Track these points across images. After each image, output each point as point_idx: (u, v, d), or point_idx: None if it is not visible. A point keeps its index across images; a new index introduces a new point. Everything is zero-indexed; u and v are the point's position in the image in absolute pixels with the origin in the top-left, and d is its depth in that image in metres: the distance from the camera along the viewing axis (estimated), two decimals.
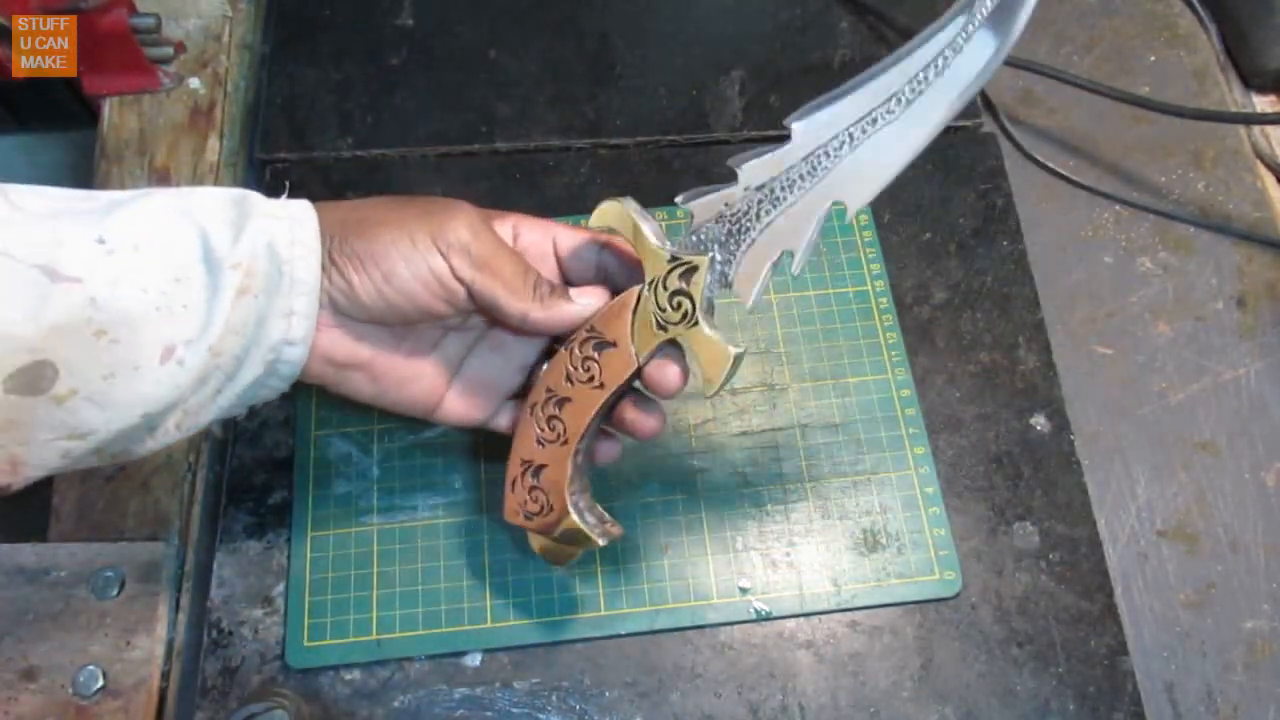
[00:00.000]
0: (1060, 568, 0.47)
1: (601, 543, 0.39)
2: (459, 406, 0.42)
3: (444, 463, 0.48)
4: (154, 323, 0.31)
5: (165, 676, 0.45)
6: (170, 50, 0.58)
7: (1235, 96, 0.60)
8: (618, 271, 0.39)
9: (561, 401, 0.39)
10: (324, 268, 0.35)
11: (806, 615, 0.46)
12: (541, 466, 0.39)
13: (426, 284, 0.36)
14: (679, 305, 0.36)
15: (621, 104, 0.58)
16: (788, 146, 0.34)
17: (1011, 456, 0.49)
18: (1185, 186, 0.56)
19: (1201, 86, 0.59)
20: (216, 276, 0.33)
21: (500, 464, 0.43)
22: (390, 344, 0.39)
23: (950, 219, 0.55)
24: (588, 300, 0.38)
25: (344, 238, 0.35)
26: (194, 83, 0.58)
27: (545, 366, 0.40)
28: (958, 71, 0.32)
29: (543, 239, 0.40)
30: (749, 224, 0.35)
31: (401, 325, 0.38)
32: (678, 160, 0.56)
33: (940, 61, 0.32)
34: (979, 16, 0.31)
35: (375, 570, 0.46)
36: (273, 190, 0.39)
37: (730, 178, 0.36)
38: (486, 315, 0.39)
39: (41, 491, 0.47)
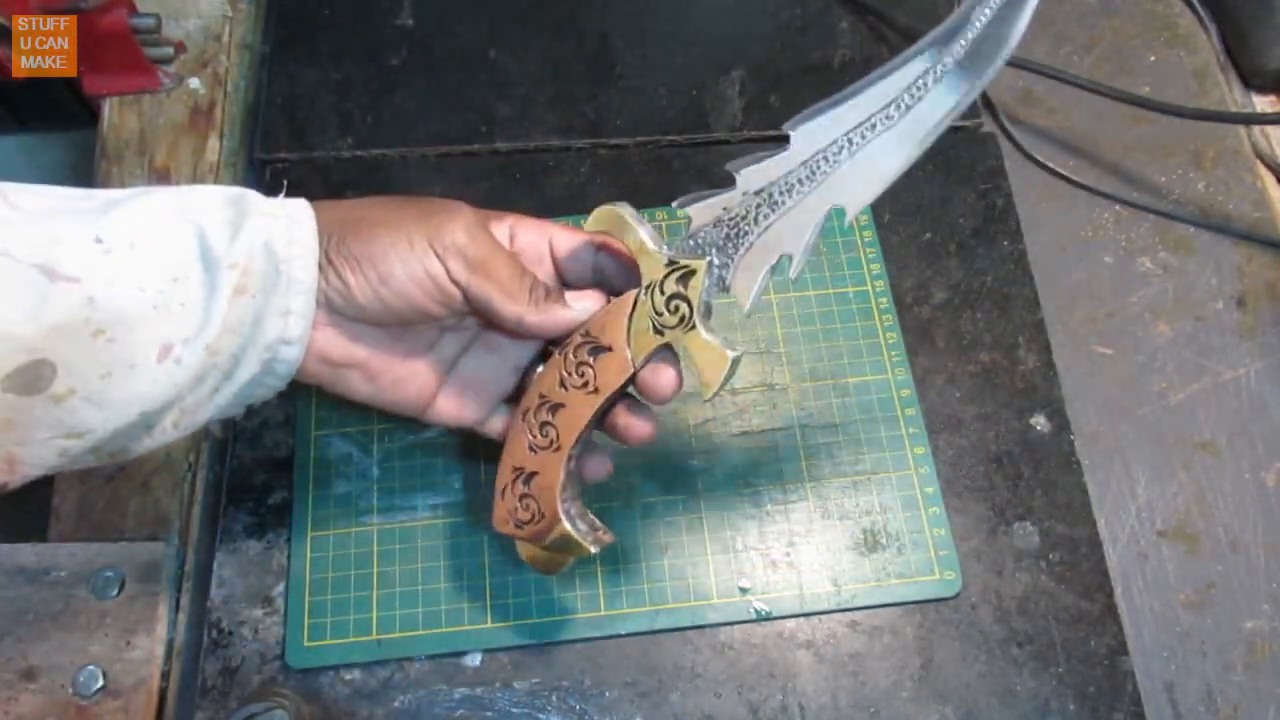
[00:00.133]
0: (1060, 568, 0.47)
1: (594, 550, 0.39)
2: (451, 407, 0.41)
3: (444, 463, 0.48)
4: (151, 321, 0.32)
5: (165, 676, 0.45)
6: (170, 50, 0.58)
7: (1235, 96, 0.60)
8: (614, 274, 0.39)
9: (555, 407, 0.38)
10: (321, 267, 0.35)
11: (806, 615, 0.46)
12: (533, 474, 0.39)
13: (422, 286, 0.36)
14: (676, 309, 0.36)
15: (621, 104, 0.58)
16: (787, 151, 0.34)
17: (1011, 456, 0.49)
18: (1185, 186, 0.56)
19: (1201, 86, 0.59)
20: (214, 275, 0.33)
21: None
22: (386, 344, 0.39)
23: (950, 219, 0.55)
24: (583, 304, 0.38)
25: (341, 238, 0.35)
26: (194, 83, 0.58)
27: (539, 371, 0.40)
28: (952, 82, 0.32)
29: (539, 240, 0.40)
30: (747, 228, 0.35)
31: (398, 326, 0.38)
32: (678, 160, 0.56)
33: (937, 70, 0.32)
34: (984, 16, 0.31)
35: (375, 570, 0.46)
36: (273, 190, 0.39)
37: (728, 181, 0.35)
38: (482, 317, 0.39)
39: (41, 491, 0.47)
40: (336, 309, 0.36)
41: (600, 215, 0.38)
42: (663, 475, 0.48)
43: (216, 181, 0.55)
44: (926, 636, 0.45)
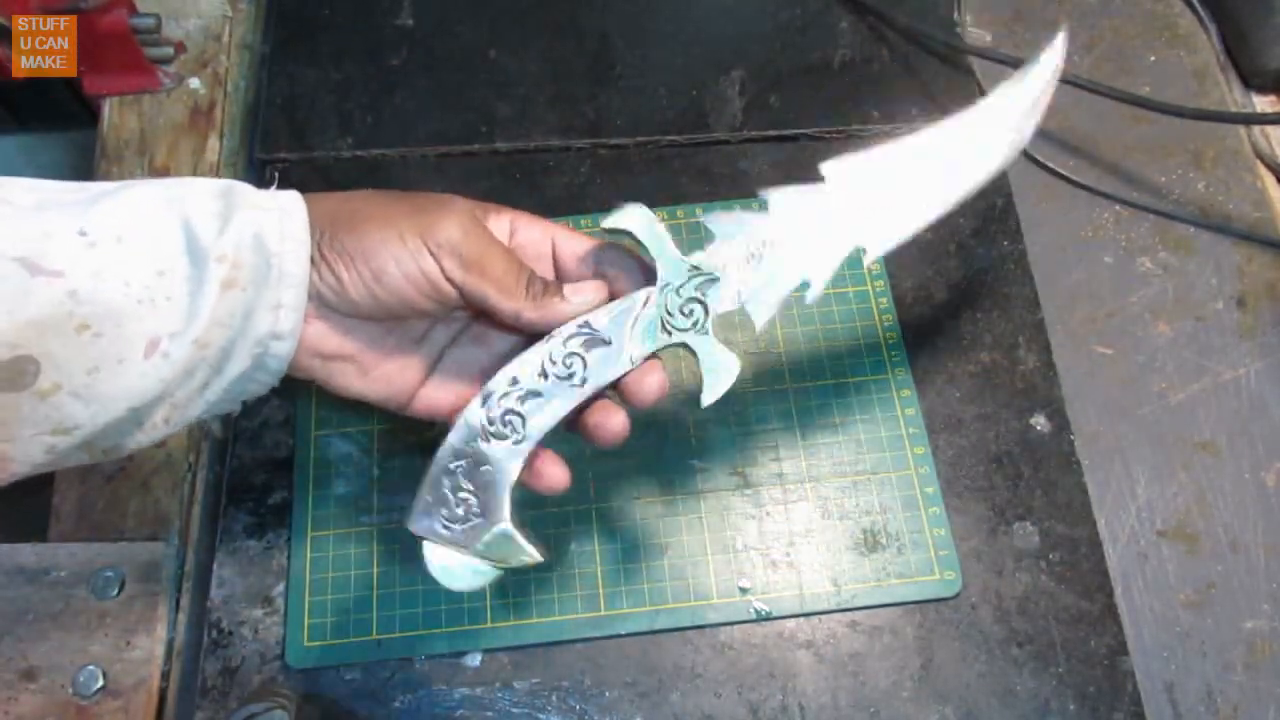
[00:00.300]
0: (1060, 568, 0.47)
1: (531, 561, 0.36)
2: (435, 398, 0.40)
3: None
4: (137, 316, 0.31)
5: (165, 676, 0.45)
6: (170, 50, 0.58)
7: (1235, 96, 0.60)
8: (615, 277, 0.39)
9: (528, 396, 0.36)
10: (313, 261, 0.35)
11: (806, 615, 0.46)
12: (480, 465, 0.36)
13: (417, 284, 0.35)
14: (690, 312, 0.37)
15: (621, 104, 0.58)
16: (820, 185, 0.37)
17: (1011, 456, 0.49)
18: (1185, 186, 0.56)
19: (1201, 86, 0.59)
20: (201, 269, 0.32)
21: None
22: (379, 336, 0.38)
23: (950, 219, 0.55)
24: (583, 297, 0.37)
25: (334, 233, 0.35)
26: (194, 83, 0.58)
27: (519, 357, 0.37)
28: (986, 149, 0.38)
29: (541, 238, 0.39)
30: (770, 250, 0.37)
31: (390, 321, 0.38)
32: (678, 160, 0.56)
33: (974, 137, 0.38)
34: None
35: (375, 570, 0.46)
36: None
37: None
38: (479, 314, 0.39)
39: (41, 491, 0.47)
40: (329, 304, 0.36)
41: (629, 211, 0.37)
42: (663, 475, 0.48)
43: None
44: (926, 636, 0.45)
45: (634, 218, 0.37)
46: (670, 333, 0.37)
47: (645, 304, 0.37)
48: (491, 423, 0.36)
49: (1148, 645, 0.46)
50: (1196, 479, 0.49)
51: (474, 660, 0.45)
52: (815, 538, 0.47)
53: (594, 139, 0.57)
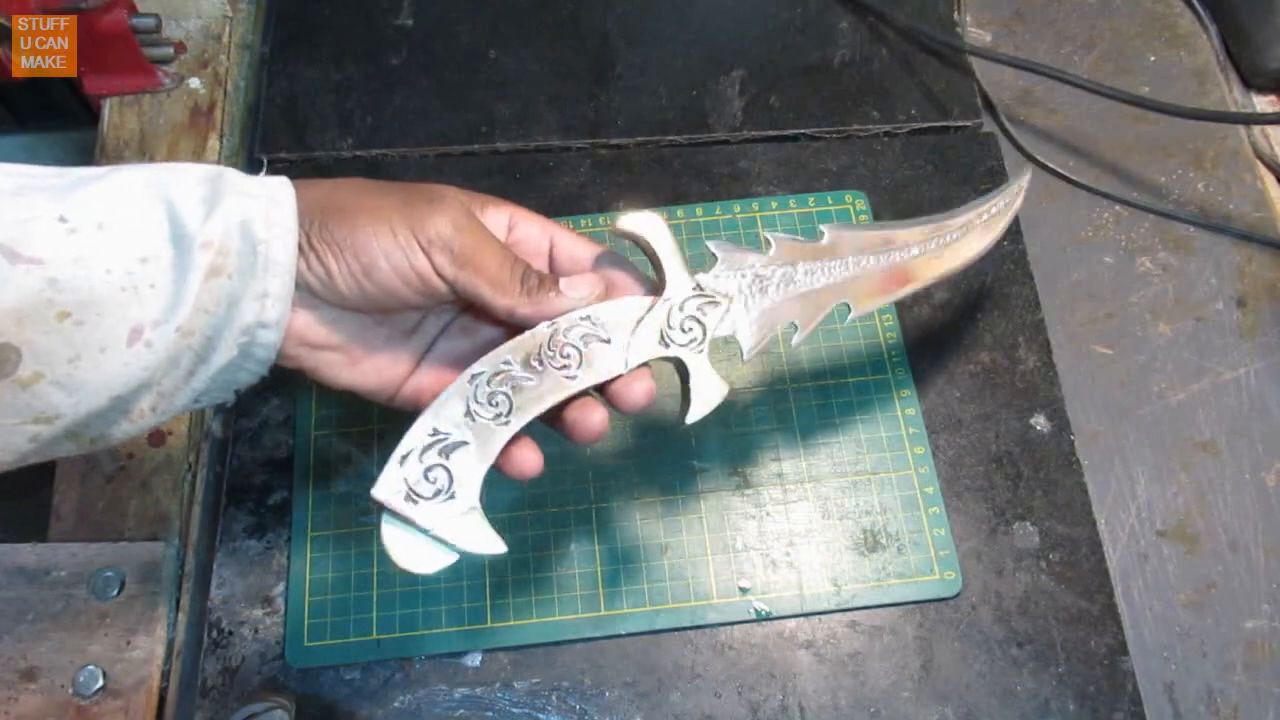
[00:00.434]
0: (1060, 568, 0.47)
1: (493, 550, 0.36)
2: (422, 389, 0.39)
3: None
4: (120, 304, 0.31)
5: (165, 676, 0.45)
6: (170, 50, 0.58)
7: (1235, 96, 0.60)
8: (611, 283, 0.38)
9: (517, 380, 0.36)
10: (301, 250, 0.34)
11: (806, 615, 0.46)
12: (460, 444, 0.35)
13: (407, 280, 0.35)
14: (689, 330, 0.37)
15: (621, 104, 0.58)
16: (820, 243, 0.40)
17: (1011, 456, 0.49)
18: (1185, 186, 0.56)
19: (1201, 86, 0.59)
20: (185, 256, 0.32)
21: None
22: (369, 327, 0.38)
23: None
24: (579, 292, 0.37)
25: (324, 222, 0.34)
26: (194, 83, 0.58)
27: (515, 339, 0.37)
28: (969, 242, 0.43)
29: (540, 236, 0.39)
30: (767, 288, 0.39)
31: (379, 313, 0.37)
32: (678, 160, 0.56)
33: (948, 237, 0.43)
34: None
35: (375, 570, 0.46)
36: None
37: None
38: (473, 308, 0.39)
39: (41, 491, 0.47)
40: (317, 294, 0.35)
41: (641, 217, 0.37)
42: (663, 475, 0.48)
43: None
44: (926, 636, 0.45)
45: (650, 226, 0.37)
46: (668, 345, 0.37)
47: (650, 310, 0.37)
48: (478, 401, 0.35)
49: (1148, 645, 0.46)
50: (1196, 479, 0.49)
51: (474, 660, 0.45)
52: (815, 538, 0.47)
53: (594, 139, 0.57)
